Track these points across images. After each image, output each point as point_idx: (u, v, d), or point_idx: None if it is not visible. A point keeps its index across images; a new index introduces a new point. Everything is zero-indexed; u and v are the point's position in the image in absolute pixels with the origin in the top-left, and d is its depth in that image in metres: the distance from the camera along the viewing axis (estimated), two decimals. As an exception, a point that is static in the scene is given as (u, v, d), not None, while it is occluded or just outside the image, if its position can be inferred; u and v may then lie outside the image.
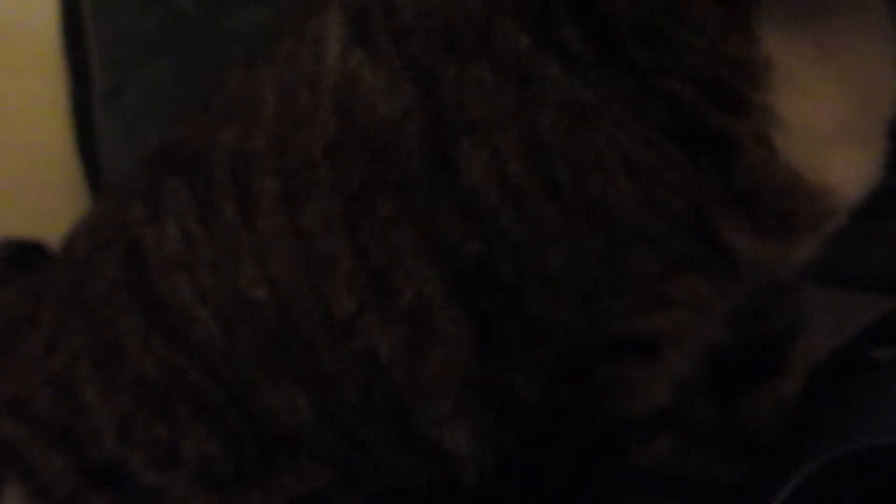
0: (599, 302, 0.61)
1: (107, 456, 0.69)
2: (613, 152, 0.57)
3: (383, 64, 0.61)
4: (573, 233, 0.59)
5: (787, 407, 0.72)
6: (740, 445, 0.73)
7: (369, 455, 0.69)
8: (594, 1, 0.56)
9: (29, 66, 1.05)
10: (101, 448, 0.69)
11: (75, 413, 0.70)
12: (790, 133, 0.57)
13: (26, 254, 0.88)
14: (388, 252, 0.62)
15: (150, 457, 0.69)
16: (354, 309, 0.64)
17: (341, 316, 0.64)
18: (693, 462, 0.70)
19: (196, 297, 0.67)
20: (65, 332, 0.71)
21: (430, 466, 0.69)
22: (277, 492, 0.70)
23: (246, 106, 0.67)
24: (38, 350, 0.72)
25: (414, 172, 0.61)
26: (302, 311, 0.65)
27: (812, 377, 0.72)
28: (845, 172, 0.59)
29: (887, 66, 0.60)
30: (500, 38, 0.58)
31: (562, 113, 0.57)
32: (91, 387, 0.69)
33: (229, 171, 0.66)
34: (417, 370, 0.64)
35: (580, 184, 0.57)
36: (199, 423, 0.69)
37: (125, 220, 0.70)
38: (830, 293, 0.78)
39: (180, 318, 0.67)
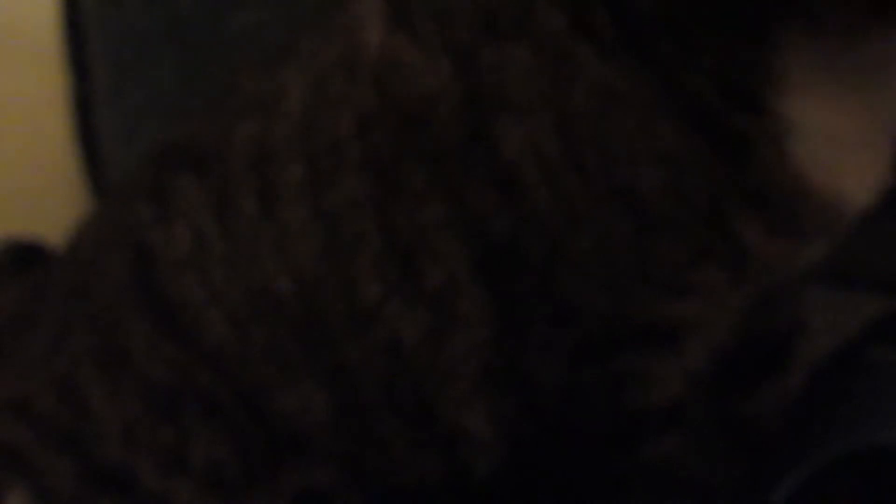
0: (625, 286, 0.61)
1: (112, 460, 0.69)
2: (642, 139, 0.57)
3: (424, 44, 0.62)
4: (602, 216, 0.59)
5: (790, 406, 0.72)
6: (741, 445, 0.73)
7: (382, 451, 0.69)
8: None
9: (29, 66, 1.05)
10: (106, 452, 0.69)
11: (80, 416, 0.69)
12: (803, 139, 0.57)
13: (26, 254, 0.88)
14: (416, 229, 0.62)
15: (156, 461, 0.69)
16: (380, 295, 0.64)
17: (367, 302, 0.64)
18: (693, 462, 0.70)
19: (208, 298, 0.67)
20: (69, 334, 0.71)
21: (443, 461, 0.69)
22: (282, 491, 0.70)
23: (267, 100, 0.67)
24: (41, 351, 0.71)
25: (448, 143, 0.61)
26: (326, 301, 0.65)
27: (812, 377, 0.72)
28: (857, 181, 0.60)
29: None
30: (539, 19, 0.58)
31: (593, 96, 0.58)
32: (96, 390, 0.69)
33: (249, 163, 0.66)
34: (439, 355, 0.64)
35: (608, 168, 0.58)
36: (208, 426, 0.68)
37: (132, 220, 0.70)
38: (830, 293, 0.78)
39: (191, 320, 0.67)
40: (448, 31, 0.61)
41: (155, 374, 0.68)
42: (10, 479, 0.70)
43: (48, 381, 0.70)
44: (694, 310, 0.63)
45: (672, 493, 0.69)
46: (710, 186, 0.58)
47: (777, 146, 0.57)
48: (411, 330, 0.64)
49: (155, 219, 0.68)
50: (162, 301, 0.68)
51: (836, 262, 0.66)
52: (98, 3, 1.01)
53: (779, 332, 0.74)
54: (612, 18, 0.57)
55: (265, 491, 0.69)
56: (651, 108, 0.57)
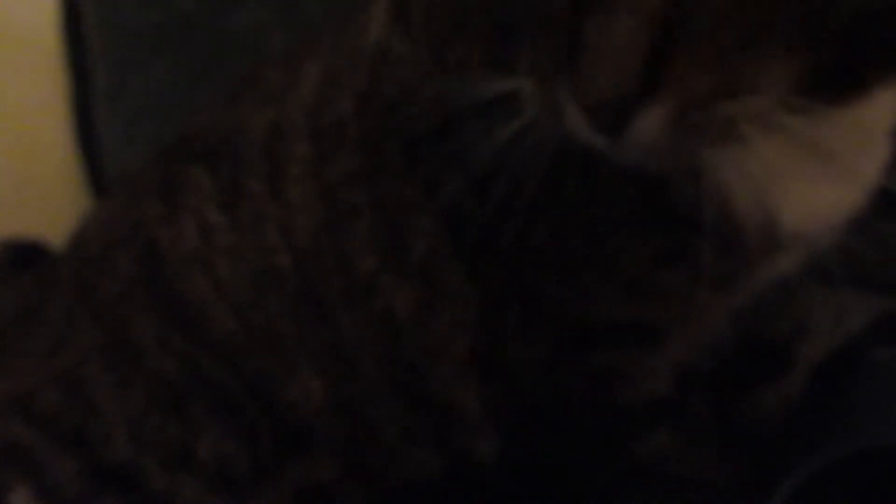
0: (587, 281, 0.62)
1: (117, 457, 0.69)
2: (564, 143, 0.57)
3: (412, 36, 0.64)
4: (551, 207, 0.60)
5: (789, 407, 0.73)
6: (740, 445, 0.73)
7: (378, 442, 0.69)
8: None
9: (29, 66, 1.05)
10: (111, 449, 0.69)
11: (85, 413, 0.70)
12: (720, 171, 0.57)
13: (26, 254, 0.88)
14: (400, 205, 0.64)
15: (162, 458, 0.69)
16: (375, 267, 0.65)
17: (363, 275, 0.65)
18: (692, 462, 0.70)
19: (213, 291, 0.68)
20: (73, 331, 0.71)
21: (439, 449, 0.70)
22: (287, 486, 0.70)
23: (284, 90, 0.69)
24: (45, 348, 0.72)
25: (423, 130, 0.63)
26: (324, 274, 0.66)
27: (812, 377, 0.72)
28: (798, 207, 0.59)
29: None
30: (475, 17, 0.60)
31: (524, 87, 0.58)
32: (102, 385, 0.70)
33: (263, 147, 0.68)
34: (428, 329, 0.66)
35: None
36: (216, 420, 0.69)
37: (140, 217, 0.71)
38: (830, 293, 0.78)
39: (198, 315, 0.68)
40: (430, 26, 0.63)
41: (163, 368, 0.68)
42: (13, 478, 0.70)
43: (52, 378, 0.70)
44: (667, 309, 0.63)
45: (670, 492, 0.69)
46: (639, 202, 0.58)
47: (692, 177, 0.56)
48: (403, 303, 0.65)
49: (163, 215, 0.69)
50: (170, 296, 0.68)
51: (836, 263, 0.66)
52: (98, 3, 1.01)
53: (779, 332, 0.74)
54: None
55: (271, 486, 0.70)
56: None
